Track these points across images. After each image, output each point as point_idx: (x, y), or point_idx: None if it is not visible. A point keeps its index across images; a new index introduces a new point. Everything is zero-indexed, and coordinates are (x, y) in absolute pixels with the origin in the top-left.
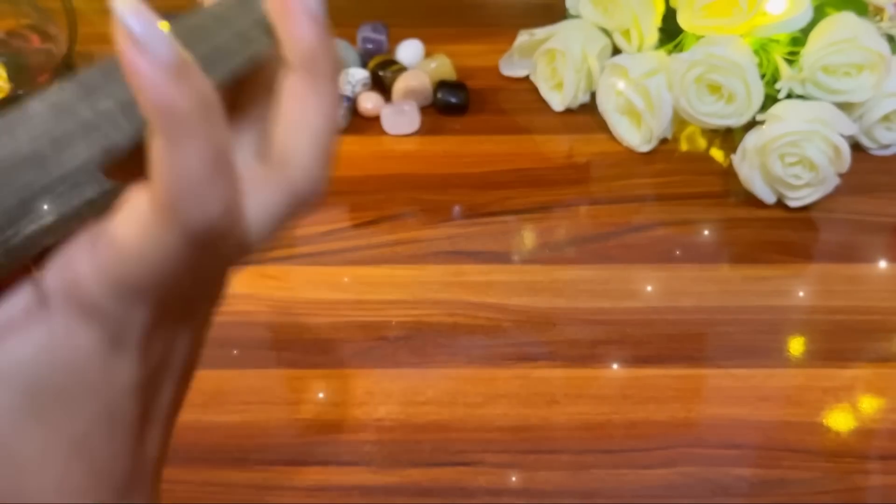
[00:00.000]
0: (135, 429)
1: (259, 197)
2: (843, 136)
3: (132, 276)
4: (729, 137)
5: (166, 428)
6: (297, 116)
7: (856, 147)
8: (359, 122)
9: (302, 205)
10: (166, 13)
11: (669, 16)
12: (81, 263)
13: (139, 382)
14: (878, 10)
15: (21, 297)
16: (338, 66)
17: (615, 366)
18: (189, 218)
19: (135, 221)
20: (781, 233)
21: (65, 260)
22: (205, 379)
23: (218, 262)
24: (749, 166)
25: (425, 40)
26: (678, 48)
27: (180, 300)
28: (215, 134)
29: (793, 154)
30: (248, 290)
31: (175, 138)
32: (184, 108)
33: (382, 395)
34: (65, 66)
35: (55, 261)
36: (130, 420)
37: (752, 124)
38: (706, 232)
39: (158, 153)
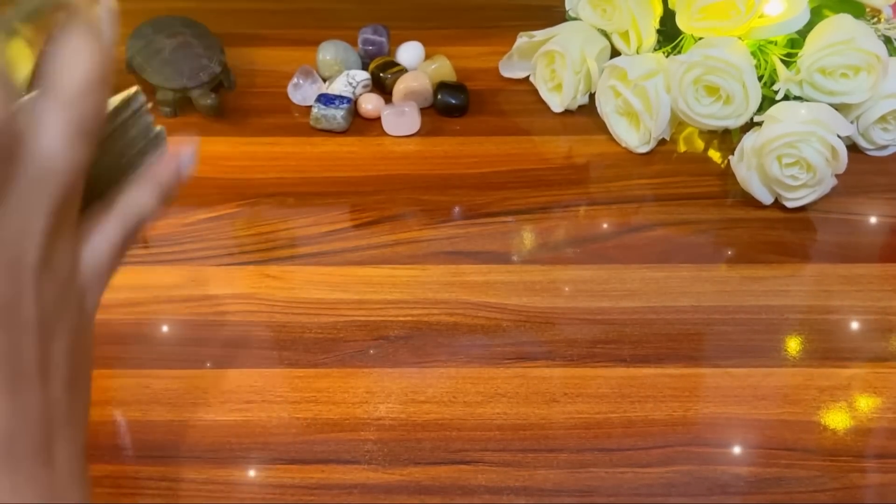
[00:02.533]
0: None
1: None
2: (840, 137)
3: None
4: (727, 139)
5: (45, 383)
6: (65, 52)
7: (852, 148)
8: (359, 124)
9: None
10: None
11: (668, 18)
12: None
13: None
14: (875, 12)
15: None
16: (96, 25)
17: (614, 365)
18: None
19: None
20: (779, 233)
21: None
22: (206, 378)
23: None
24: (746, 167)
25: (426, 42)
26: (676, 50)
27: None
28: None
29: (790, 155)
30: (249, 290)
31: None
32: None
33: (383, 394)
34: None
35: None
36: None
37: (749, 125)
38: (704, 232)
39: None
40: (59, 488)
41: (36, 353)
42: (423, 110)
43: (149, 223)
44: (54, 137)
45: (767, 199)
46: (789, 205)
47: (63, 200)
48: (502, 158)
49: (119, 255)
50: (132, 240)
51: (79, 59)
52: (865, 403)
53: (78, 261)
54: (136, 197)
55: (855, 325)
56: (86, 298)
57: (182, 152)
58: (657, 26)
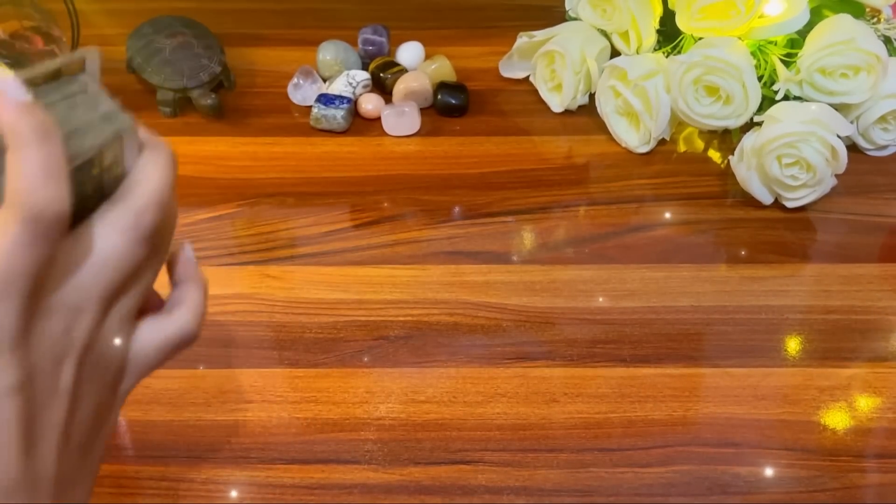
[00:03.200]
0: (19, 433)
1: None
2: (839, 137)
3: None
4: (726, 139)
5: (62, 451)
6: (140, 171)
7: (852, 148)
8: (359, 124)
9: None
10: None
11: (668, 18)
12: None
13: (18, 383)
14: (875, 12)
15: None
16: (169, 153)
17: (614, 365)
18: (26, 207)
19: None
20: (778, 233)
21: None
22: (206, 378)
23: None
24: (746, 167)
25: (426, 42)
26: (676, 50)
27: (45, 297)
28: (48, 148)
29: (790, 155)
30: (249, 290)
31: (17, 148)
32: (24, 128)
33: (383, 394)
34: None
35: None
36: (13, 422)
37: (749, 125)
38: (704, 232)
39: (9, 163)
40: None
41: (62, 419)
42: (423, 110)
43: (191, 345)
44: (119, 236)
45: (767, 199)
46: (789, 205)
47: (116, 291)
48: (502, 158)
49: (162, 360)
50: (177, 352)
51: (154, 173)
52: (865, 403)
53: (126, 349)
54: (188, 319)
55: (855, 325)
56: (122, 382)
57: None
58: (657, 26)
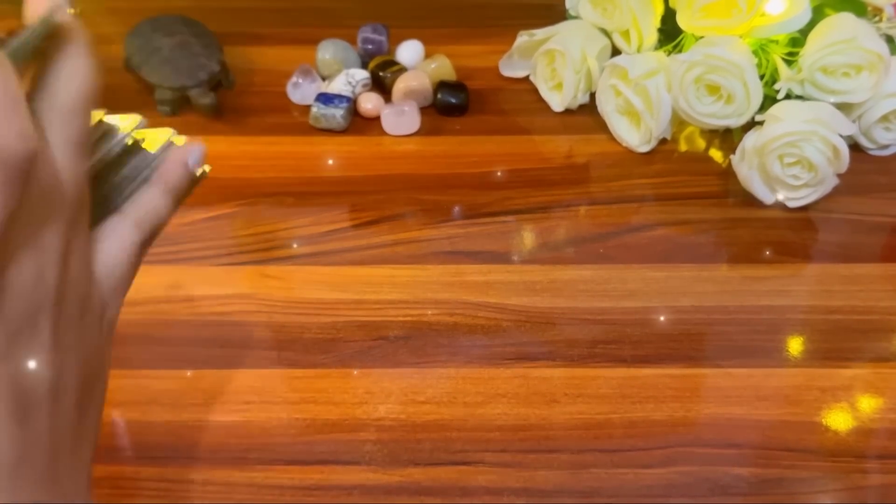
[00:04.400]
0: (10, 403)
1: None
2: (841, 136)
3: None
4: (728, 138)
5: (55, 409)
6: (61, 70)
7: (854, 147)
8: (359, 123)
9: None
10: None
11: (669, 16)
12: None
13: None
14: (877, 11)
15: None
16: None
17: (614, 365)
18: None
19: None
20: (780, 233)
21: None
22: (205, 378)
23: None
24: (748, 166)
25: (425, 41)
26: (677, 49)
27: (12, 243)
28: (2, 83)
29: (791, 154)
30: (248, 290)
31: None
32: None
33: (382, 394)
34: None
35: None
36: (2, 396)
37: (751, 125)
38: (705, 232)
39: None
40: None
41: (49, 378)
42: (422, 109)
43: (163, 226)
44: (60, 154)
45: (769, 198)
46: (791, 204)
47: (74, 214)
48: (502, 158)
49: (136, 263)
50: (147, 245)
51: (77, 77)
52: (867, 404)
53: (93, 273)
54: (148, 201)
55: (857, 326)
56: (105, 312)
57: (189, 151)
58: (658, 25)
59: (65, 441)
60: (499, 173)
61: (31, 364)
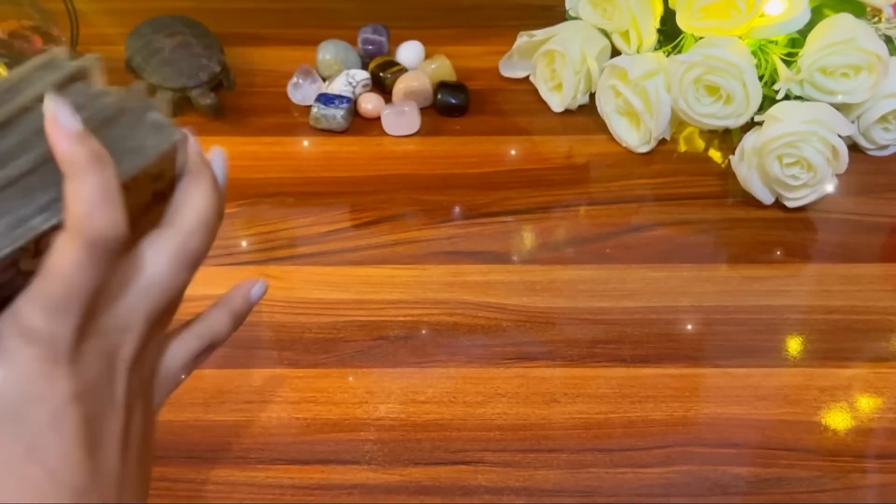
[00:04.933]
0: (82, 438)
1: (155, 244)
2: (840, 136)
3: (54, 293)
4: (727, 138)
5: (123, 455)
6: (185, 196)
7: (853, 148)
8: (359, 123)
9: (188, 252)
10: None
11: (668, 17)
12: (22, 297)
13: (76, 392)
14: (876, 12)
15: None
16: (220, 176)
17: (614, 365)
18: (88, 232)
19: (55, 248)
20: (779, 233)
21: (12, 305)
22: (205, 378)
23: (125, 291)
24: (747, 167)
25: (425, 42)
26: (677, 49)
27: (98, 316)
28: (104, 174)
29: (791, 155)
30: None
31: (76, 177)
32: (80, 157)
33: (383, 394)
34: None
35: (6, 310)
36: (75, 427)
37: (750, 125)
38: (704, 232)
39: (68, 191)
40: None
41: (120, 428)
42: (422, 110)
43: (219, 345)
44: (166, 261)
45: (768, 198)
46: (790, 204)
47: (161, 313)
48: (502, 158)
49: (190, 370)
50: (204, 357)
51: (199, 200)
52: (866, 404)
53: (158, 363)
54: (213, 321)
55: (856, 326)
56: (154, 396)
57: (254, 285)
58: (657, 26)
59: (126, 489)
60: (499, 173)
61: (105, 412)
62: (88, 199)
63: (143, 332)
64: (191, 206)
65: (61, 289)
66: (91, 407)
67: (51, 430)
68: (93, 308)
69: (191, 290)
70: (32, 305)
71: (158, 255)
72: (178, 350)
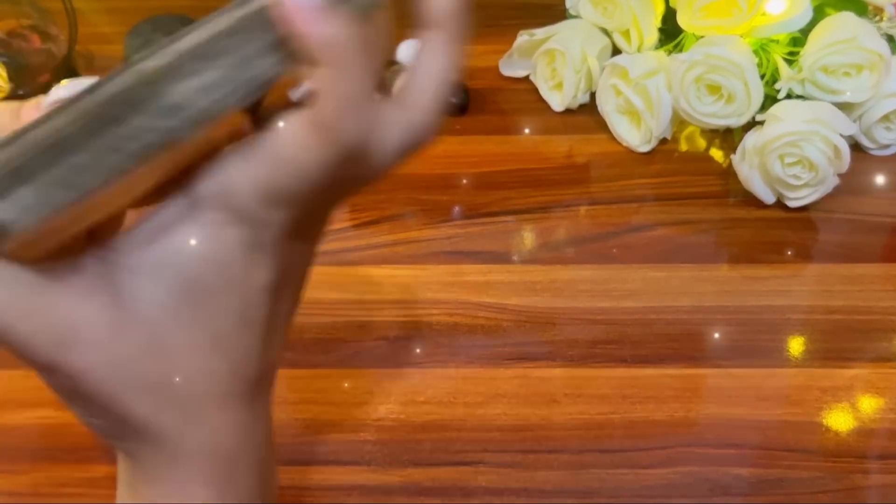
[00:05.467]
0: (264, 330)
1: (389, 131)
2: (842, 136)
3: (283, 184)
4: (728, 137)
5: (283, 337)
6: (427, 68)
7: (855, 147)
8: None
9: (418, 139)
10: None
11: (669, 16)
12: (236, 173)
13: (270, 285)
14: (878, 11)
15: (176, 202)
16: (465, 29)
17: (615, 365)
18: (346, 135)
19: (293, 138)
20: (781, 233)
21: (220, 170)
22: None
23: (351, 182)
24: (748, 166)
25: None
26: (678, 48)
27: (313, 213)
28: (373, 65)
29: (792, 154)
30: None
31: (342, 66)
32: (342, 41)
33: (382, 394)
34: (65, 67)
35: (210, 171)
36: (261, 320)
37: (751, 124)
38: (705, 232)
39: (324, 80)
40: (269, 420)
41: (288, 317)
42: None
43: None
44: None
45: (769, 198)
46: (791, 204)
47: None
48: (502, 157)
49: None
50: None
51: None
52: (868, 404)
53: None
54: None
55: (857, 326)
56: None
57: None
58: (658, 24)
59: (261, 369)
60: (499, 173)
61: (289, 295)
62: (348, 96)
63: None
64: (430, 76)
65: (293, 183)
66: (278, 299)
67: (239, 322)
68: (313, 204)
69: None
70: (253, 188)
71: (387, 148)
72: None
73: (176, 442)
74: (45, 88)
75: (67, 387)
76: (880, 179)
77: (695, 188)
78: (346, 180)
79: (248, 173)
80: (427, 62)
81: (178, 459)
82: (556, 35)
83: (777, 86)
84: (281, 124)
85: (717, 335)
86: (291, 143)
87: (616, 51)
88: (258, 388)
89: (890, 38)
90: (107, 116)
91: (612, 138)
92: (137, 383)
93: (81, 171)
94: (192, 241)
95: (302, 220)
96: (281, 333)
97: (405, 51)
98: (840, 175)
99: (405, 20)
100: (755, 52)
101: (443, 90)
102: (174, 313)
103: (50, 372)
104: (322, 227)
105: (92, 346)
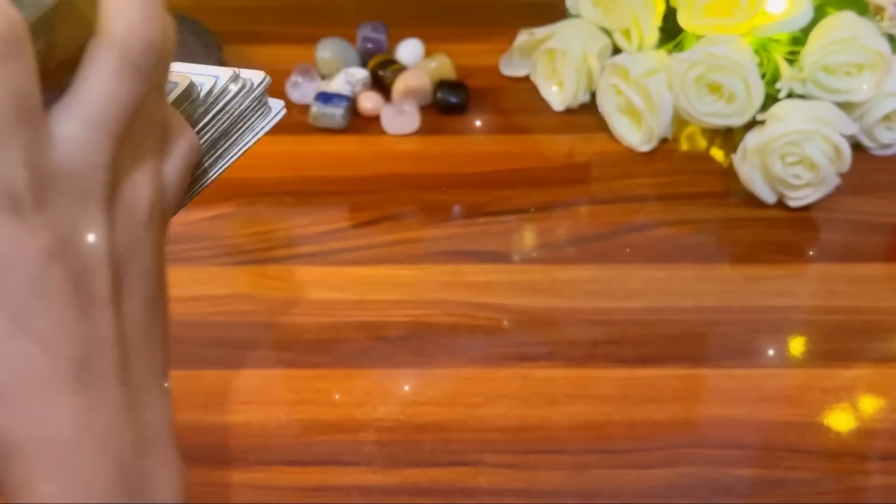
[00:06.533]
0: (69, 298)
1: (94, 67)
2: (843, 135)
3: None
4: (729, 137)
5: (120, 309)
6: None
7: (856, 147)
8: (358, 122)
9: (134, 63)
10: None
11: (670, 15)
12: None
13: (52, 249)
14: (879, 10)
15: None
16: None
17: (615, 366)
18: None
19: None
20: (782, 233)
21: None
22: (204, 379)
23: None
24: (749, 166)
25: (425, 40)
26: (678, 48)
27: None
28: None
29: (793, 154)
30: (248, 290)
31: None
32: None
33: (382, 395)
34: None
35: None
36: (60, 287)
37: (752, 124)
38: (706, 232)
39: None
40: (135, 407)
41: (108, 278)
42: (422, 108)
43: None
44: (105, 75)
45: (770, 198)
46: (793, 204)
47: (122, 133)
48: (503, 157)
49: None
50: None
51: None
52: (870, 405)
53: (159, 187)
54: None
55: (859, 326)
56: (168, 215)
57: None
58: (659, 23)
59: (133, 340)
60: (499, 172)
61: (87, 266)
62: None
63: (109, 162)
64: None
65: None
66: (73, 261)
67: (35, 296)
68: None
69: (188, 290)
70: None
71: (97, 71)
72: (174, 164)
73: (4, 439)
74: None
75: None
76: (881, 179)
77: (695, 188)
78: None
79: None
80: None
81: (11, 457)
82: (556, 34)
83: (778, 85)
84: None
85: (718, 335)
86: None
87: (616, 50)
88: (93, 368)
89: (891, 38)
90: None
91: (613, 138)
92: None
93: None
94: None
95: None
96: (111, 310)
97: (405, 50)
98: (841, 175)
99: (404, 18)
100: (756, 51)
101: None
102: None
103: None
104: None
105: None
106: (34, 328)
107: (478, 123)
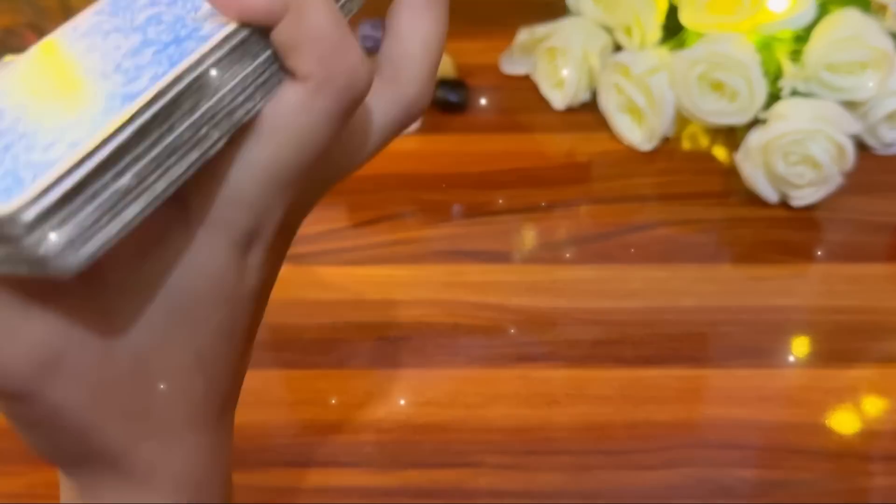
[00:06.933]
0: (242, 341)
1: (375, 107)
2: (846, 134)
3: (289, 158)
4: (731, 136)
5: (252, 347)
6: (410, 28)
7: (860, 146)
8: None
9: (410, 115)
10: None
11: (671, 13)
12: (233, 167)
13: (258, 291)
14: (882, 8)
15: (162, 210)
16: None
17: (616, 366)
18: (336, 75)
19: (290, 104)
20: (784, 232)
21: (208, 171)
22: None
23: (343, 159)
24: (752, 165)
25: None
26: (680, 45)
27: (303, 200)
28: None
29: (796, 153)
30: None
31: (298, 8)
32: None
33: (382, 395)
34: None
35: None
36: (243, 333)
37: (754, 123)
38: (708, 231)
39: (289, 29)
40: (222, 455)
41: (254, 324)
42: None
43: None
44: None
45: (773, 197)
46: (795, 203)
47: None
48: (503, 156)
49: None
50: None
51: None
52: (872, 405)
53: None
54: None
55: (861, 326)
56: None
57: None
58: (661, 21)
59: (235, 383)
60: (499, 172)
61: (258, 303)
62: (322, 28)
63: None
64: (414, 38)
65: (299, 154)
66: (260, 306)
67: (223, 339)
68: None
69: None
70: (258, 173)
71: (375, 126)
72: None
73: (146, 471)
74: None
75: (35, 416)
76: (885, 178)
77: (697, 187)
78: (339, 158)
79: (249, 160)
80: (411, 28)
81: (144, 488)
82: (557, 32)
83: (781, 83)
84: (270, 102)
85: (719, 336)
86: (290, 109)
87: (618, 48)
88: (228, 404)
89: (894, 36)
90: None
91: (614, 136)
92: (118, 413)
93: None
94: (185, 254)
95: (294, 208)
96: (252, 343)
97: None
98: (844, 174)
99: None
100: (759, 49)
101: (433, 59)
102: (162, 335)
103: (19, 400)
104: (302, 219)
105: (76, 373)
106: (210, 369)
107: (478, 122)
